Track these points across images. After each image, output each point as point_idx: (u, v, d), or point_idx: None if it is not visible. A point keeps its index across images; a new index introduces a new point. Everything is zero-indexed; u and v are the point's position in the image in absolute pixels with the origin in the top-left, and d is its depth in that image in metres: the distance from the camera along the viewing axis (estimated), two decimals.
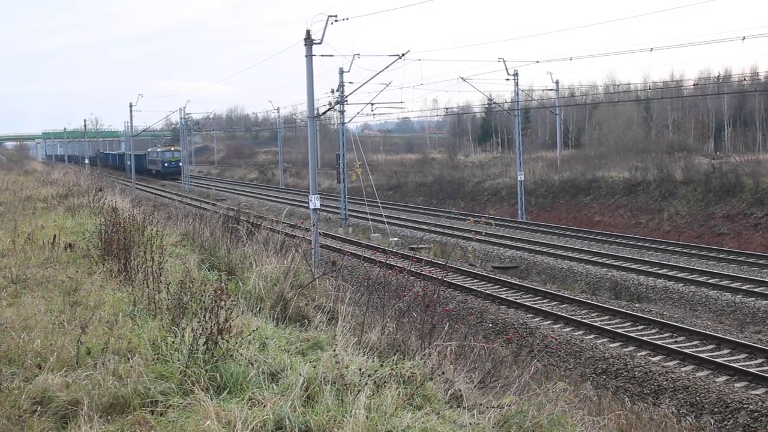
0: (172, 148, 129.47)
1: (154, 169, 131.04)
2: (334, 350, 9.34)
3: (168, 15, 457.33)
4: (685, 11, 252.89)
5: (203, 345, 8.83)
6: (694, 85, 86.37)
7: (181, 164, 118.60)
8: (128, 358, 8.98)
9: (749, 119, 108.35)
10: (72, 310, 11.47)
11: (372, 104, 55.28)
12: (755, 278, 32.95)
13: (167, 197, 72.96)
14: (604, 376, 22.22)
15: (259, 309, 12.11)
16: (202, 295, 10.39)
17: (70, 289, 12.84)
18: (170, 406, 7.98)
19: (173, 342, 9.32)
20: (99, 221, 18.40)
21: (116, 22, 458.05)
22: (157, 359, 9.12)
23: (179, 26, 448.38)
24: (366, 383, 8.28)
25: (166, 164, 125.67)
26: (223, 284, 10.78)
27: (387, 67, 42.77)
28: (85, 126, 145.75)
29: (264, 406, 7.80)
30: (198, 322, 9.18)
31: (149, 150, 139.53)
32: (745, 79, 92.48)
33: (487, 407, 8.49)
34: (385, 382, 8.45)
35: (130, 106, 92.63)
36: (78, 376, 8.48)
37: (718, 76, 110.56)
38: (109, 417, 7.88)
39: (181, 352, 9.00)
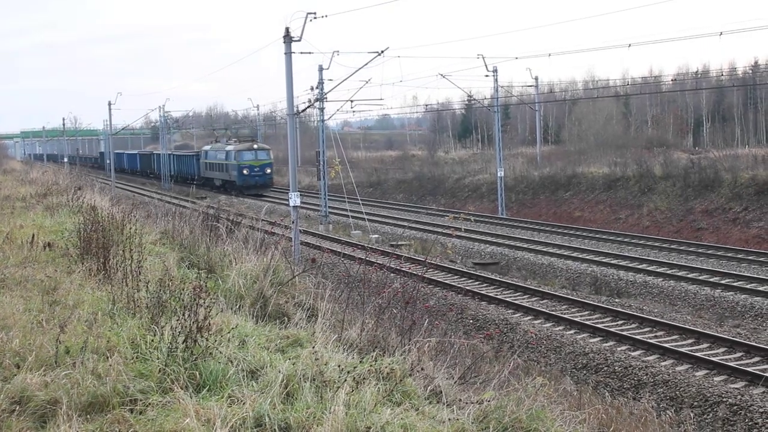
0: (256, 146, 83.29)
1: (220, 179, 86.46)
2: (314, 347, 9.35)
3: (145, 13, 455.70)
4: (663, 7, 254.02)
5: (182, 343, 8.84)
6: (672, 80, 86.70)
7: (270, 171, 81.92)
8: (107, 357, 8.96)
9: (727, 114, 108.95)
10: (51, 309, 11.44)
11: (351, 101, 55.20)
12: (734, 272, 33.10)
13: (146, 195, 72.70)
14: (584, 371, 22.27)
15: (239, 307, 12.11)
16: (181, 294, 10.38)
17: (48, 288, 12.80)
18: (149, 404, 7.98)
19: (152, 340, 9.31)
20: (78, 220, 18.32)
21: (94, 21, 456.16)
22: (137, 358, 9.11)
23: (157, 24, 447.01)
24: (345, 380, 8.30)
25: (245, 171, 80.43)
26: (202, 282, 10.77)
27: (366, 64, 42.76)
28: (63, 125, 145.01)
29: (243, 404, 7.82)
30: (177, 320, 9.18)
31: (206, 149, 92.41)
32: (723, 75, 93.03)
33: (467, 403, 8.52)
34: (364, 378, 8.47)
35: (109, 104, 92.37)
36: (57, 376, 8.46)
37: (697, 72, 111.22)
38: (88, 416, 7.87)
39: (160, 350, 9.00)
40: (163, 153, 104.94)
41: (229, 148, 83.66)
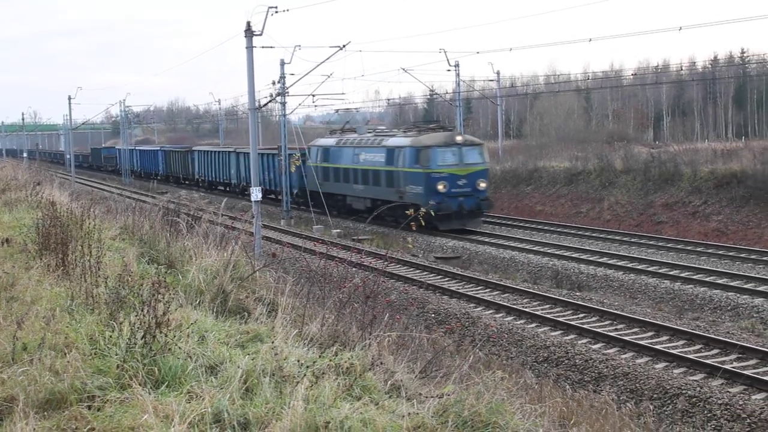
0: (460, 138, 46.87)
1: (373, 199, 50.07)
2: (273, 342, 9.34)
3: (104, 7, 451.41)
4: (623, 2, 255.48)
5: (141, 339, 8.78)
6: (633, 75, 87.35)
7: (485, 185, 46.52)
8: (65, 354, 8.89)
9: (687, 109, 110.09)
10: (8, 305, 11.33)
11: (313, 95, 55.21)
12: (693, 266, 33.40)
13: (107, 190, 72.22)
14: (545, 365, 22.38)
15: (199, 302, 12.05)
16: (140, 289, 10.33)
17: (6, 284, 12.66)
18: (107, 400, 7.92)
19: (111, 336, 9.24)
20: (37, 215, 18.18)
21: (53, 15, 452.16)
22: (95, 354, 9.05)
23: (117, 19, 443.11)
24: (305, 375, 8.28)
25: (441, 186, 44.68)
26: (161, 278, 10.71)
27: (328, 59, 42.73)
28: (23, 119, 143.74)
29: (202, 400, 7.78)
30: (136, 316, 9.13)
31: (326, 143, 56.92)
32: (682, 69, 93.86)
33: (427, 397, 8.52)
34: (323, 373, 8.46)
35: (69, 99, 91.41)
36: (13, 373, 8.39)
37: (657, 66, 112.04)
38: (45, 413, 7.81)
39: (118, 346, 8.93)
40: (222, 150, 73.84)
41: (400, 141, 47.97)
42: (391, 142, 48.61)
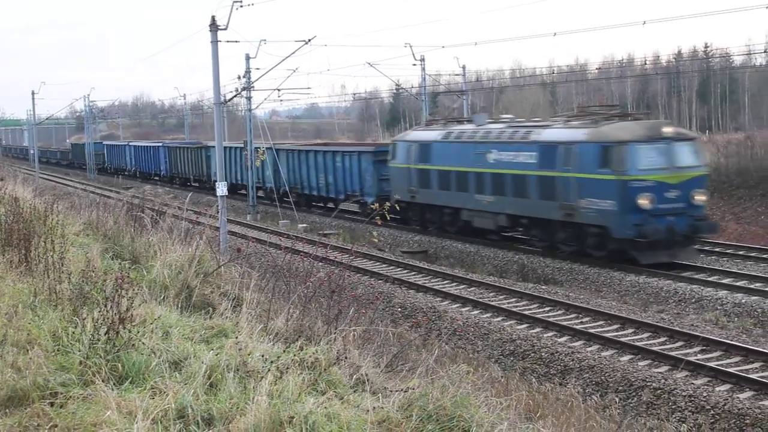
0: (669, 130, 31.67)
1: (511, 214, 36.50)
2: (237, 337, 9.32)
3: (67, 2, 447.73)
4: None
5: (105, 335, 8.72)
6: (597, 69, 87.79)
7: (705, 198, 31.94)
8: (27, 350, 8.85)
9: (652, 102, 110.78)
10: None
11: (279, 90, 55.06)
12: None
13: (71, 186, 71.72)
14: (511, 358, 22.40)
15: (163, 297, 12.01)
16: (104, 285, 10.26)
17: None
18: (70, 397, 7.88)
19: (74, 332, 9.19)
20: None
21: (15, 10, 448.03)
22: (58, 350, 9.01)
23: (82, 13, 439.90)
24: (269, 369, 8.27)
25: (645, 200, 29.90)
26: (125, 273, 10.65)
27: (293, 53, 42.64)
28: None
29: (166, 395, 7.75)
30: (99, 311, 9.06)
31: (428, 137, 41.89)
32: (646, 63, 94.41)
33: (392, 391, 8.53)
34: (288, 368, 8.44)
35: (33, 93, 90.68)
36: None
37: (621, 61, 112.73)
38: (7, 410, 7.76)
39: (82, 342, 8.88)
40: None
41: (566, 134, 33.55)
42: (548, 135, 34.30)
